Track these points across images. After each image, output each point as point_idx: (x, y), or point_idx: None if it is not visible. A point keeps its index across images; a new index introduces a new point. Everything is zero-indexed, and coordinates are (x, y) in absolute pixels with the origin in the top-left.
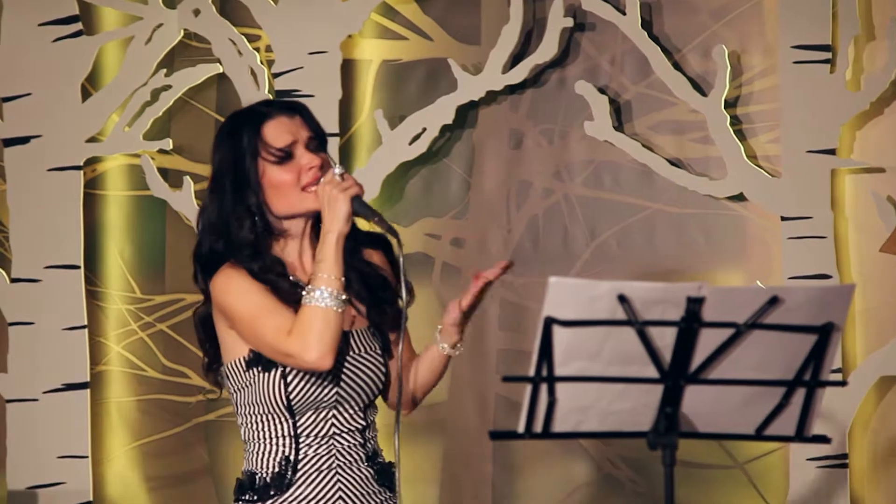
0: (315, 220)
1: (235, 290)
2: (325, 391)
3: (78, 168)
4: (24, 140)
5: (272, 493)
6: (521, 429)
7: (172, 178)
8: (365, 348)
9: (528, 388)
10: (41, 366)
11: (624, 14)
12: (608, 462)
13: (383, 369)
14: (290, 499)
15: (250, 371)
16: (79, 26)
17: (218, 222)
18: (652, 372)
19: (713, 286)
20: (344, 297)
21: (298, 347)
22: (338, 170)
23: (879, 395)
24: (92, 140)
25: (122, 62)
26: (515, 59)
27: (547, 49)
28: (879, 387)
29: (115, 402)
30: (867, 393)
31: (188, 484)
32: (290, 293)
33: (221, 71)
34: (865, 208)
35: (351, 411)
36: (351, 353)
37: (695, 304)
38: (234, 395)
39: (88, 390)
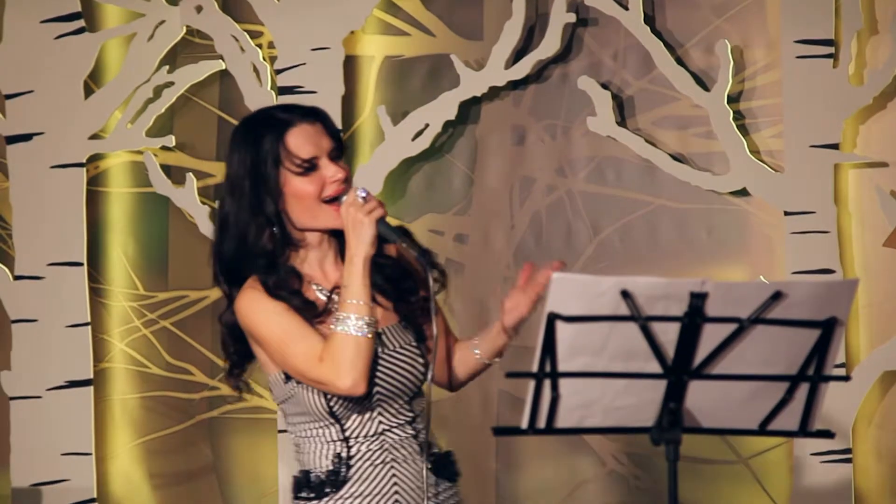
0: (334, 231)
1: (261, 313)
2: (366, 394)
3: (81, 165)
4: (26, 137)
5: (327, 489)
6: (524, 425)
7: (175, 174)
8: (399, 343)
9: (532, 383)
10: (45, 363)
11: (626, 9)
12: (612, 458)
13: (421, 360)
14: (345, 495)
15: (289, 384)
16: (81, 23)
17: (235, 228)
18: (655, 367)
19: (716, 281)
20: (374, 320)
21: (332, 375)
22: (361, 192)
23: (883, 390)
24: (94, 137)
25: (124, 59)
26: (518, 55)
27: (549, 44)
28: (883, 382)
29: (118, 400)
30: (871, 388)
31: (192, 481)
32: (303, 310)
33: (224, 67)
34: (869, 203)
35: (397, 406)
36: (385, 350)
37: (698, 299)
38: (280, 405)
39: (92, 387)
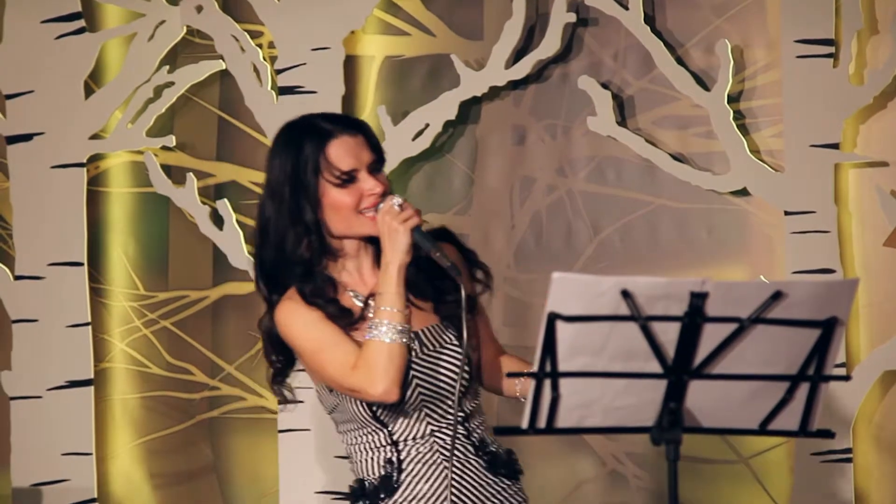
0: (370, 238)
1: (298, 324)
2: (407, 397)
3: (81, 165)
4: (27, 137)
5: (381, 496)
6: (524, 424)
7: (175, 174)
8: (439, 343)
9: (532, 383)
10: (45, 363)
11: (626, 9)
12: (612, 458)
13: (464, 358)
14: (399, 500)
15: (333, 393)
16: (81, 23)
17: (274, 234)
18: (655, 367)
19: (716, 281)
20: (408, 327)
21: (364, 382)
22: (397, 200)
23: (883, 390)
24: (95, 137)
25: (124, 59)
26: (518, 55)
27: (550, 44)
28: (883, 381)
29: (119, 400)
30: (871, 387)
31: (192, 481)
32: (338, 318)
33: (224, 67)
34: (869, 203)
35: (444, 406)
36: (425, 351)
37: (698, 299)
38: (330, 415)
39: (92, 387)
